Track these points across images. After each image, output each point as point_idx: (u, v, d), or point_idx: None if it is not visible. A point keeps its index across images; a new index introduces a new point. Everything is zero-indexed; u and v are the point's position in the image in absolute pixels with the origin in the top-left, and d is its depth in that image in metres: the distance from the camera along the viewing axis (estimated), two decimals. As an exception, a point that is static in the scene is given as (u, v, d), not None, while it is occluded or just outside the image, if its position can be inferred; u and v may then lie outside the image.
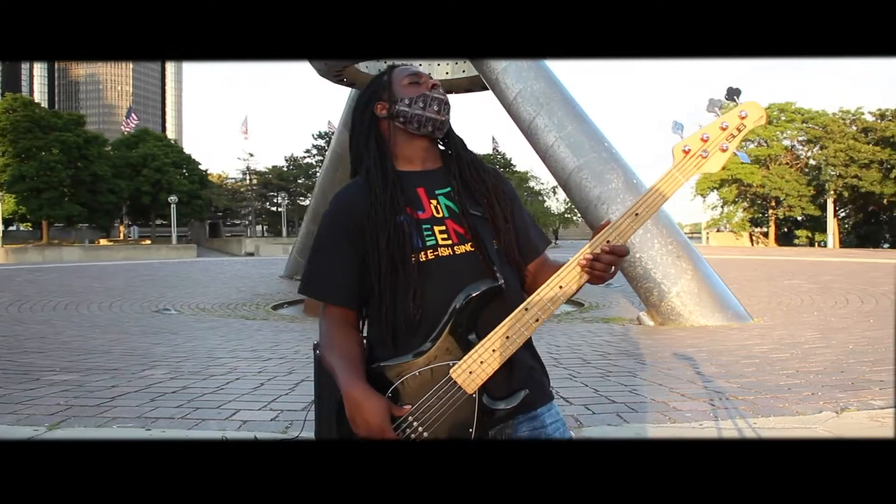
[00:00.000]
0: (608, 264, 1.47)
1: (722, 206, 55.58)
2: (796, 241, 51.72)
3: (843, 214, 52.07)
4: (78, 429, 4.34)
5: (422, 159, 1.71)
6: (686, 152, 1.49)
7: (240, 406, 4.96)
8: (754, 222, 55.68)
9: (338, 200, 1.70)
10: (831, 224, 47.50)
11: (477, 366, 1.49)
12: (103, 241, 61.45)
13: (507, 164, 74.35)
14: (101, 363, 6.96)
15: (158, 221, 66.34)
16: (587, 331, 9.84)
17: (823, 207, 48.68)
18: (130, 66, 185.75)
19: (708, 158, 1.49)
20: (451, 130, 1.76)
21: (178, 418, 4.62)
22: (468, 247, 1.62)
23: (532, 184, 66.68)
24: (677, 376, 5.90)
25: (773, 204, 52.14)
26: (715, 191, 54.06)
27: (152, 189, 59.75)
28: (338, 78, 17.86)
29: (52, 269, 24.04)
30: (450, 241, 1.61)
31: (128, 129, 60.37)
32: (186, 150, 68.98)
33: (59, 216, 54.43)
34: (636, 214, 1.48)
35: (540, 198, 67.31)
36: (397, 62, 1.78)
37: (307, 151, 69.68)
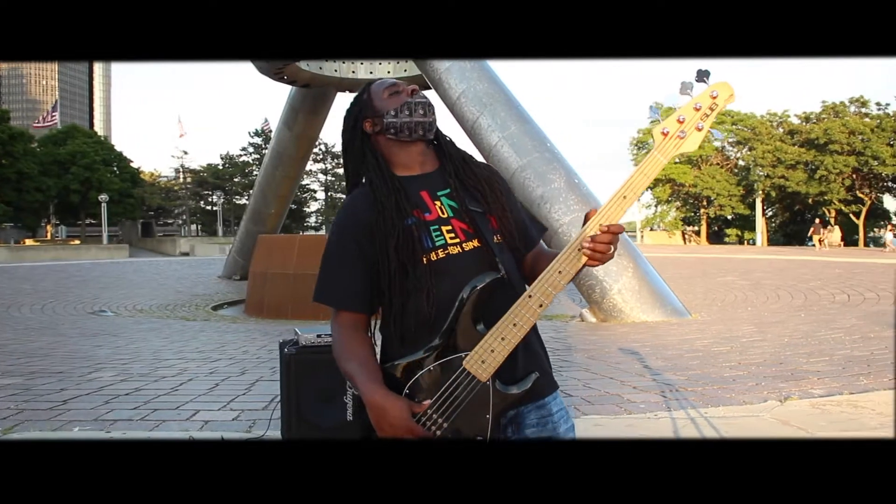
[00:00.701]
0: (608, 243, 1.53)
1: (656, 206, 56.88)
2: (727, 240, 53.26)
3: (770, 213, 53.87)
4: (35, 432, 4.25)
5: (420, 163, 1.76)
6: (665, 134, 1.58)
7: (198, 407, 4.92)
8: (687, 221, 57.14)
9: (346, 209, 1.76)
10: (760, 223, 49.11)
11: (488, 354, 1.56)
12: (29, 242, 59.24)
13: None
14: (44, 366, 6.78)
15: (88, 221, 64.36)
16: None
17: (752, 206, 50.25)
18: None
19: (685, 138, 1.58)
20: (438, 131, 1.82)
21: (136, 420, 4.56)
22: (475, 242, 1.68)
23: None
24: (626, 370, 6.08)
25: (705, 203, 53.61)
26: (649, 190, 55.33)
27: (81, 187, 57.96)
28: (278, 75, 17.70)
29: (-24, 272, 23.14)
30: (458, 239, 1.68)
31: (46, 125, 58.24)
32: (117, 148, 67.17)
33: (-19, 216, 52.32)
34: (624, 197, 1.56)
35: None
36: (374, 78, 1.84)
37: (244, 149, 68.43)
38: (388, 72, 18.83)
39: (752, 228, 50.45)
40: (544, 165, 11.75)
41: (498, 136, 12.19)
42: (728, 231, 54.50)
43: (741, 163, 52.85)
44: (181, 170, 69.04)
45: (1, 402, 5.05)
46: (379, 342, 1.75)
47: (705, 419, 4.27)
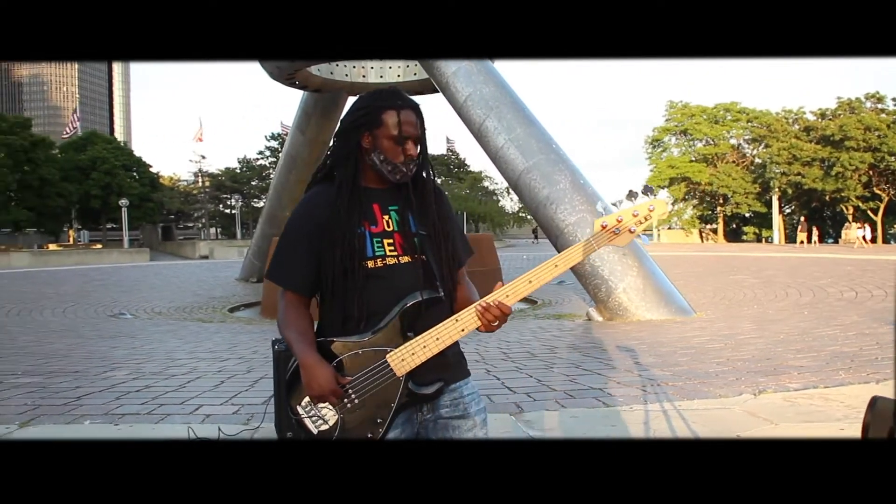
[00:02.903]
0: (495, 318, 1.85)
1: (672, 204, 56.77)
2: (744, 238, 53.08)
3: (788, 210, 53.59)
4: (50, 425, 4.54)
5: (379, 179, 1.99)
6: (603, 227, 1.91)
7: (202, 402, 5.20)
8: (704, 219, 56.96)
9: (305, 204, 2.01)
10: (777, 220, 48.89)
11: (409, 356, 1.87)
12: (52, 246, 60.15)
13: (462, 164, 74.56)
14: (62, 366, 7.09)
15: (109, 225, 65.21)
16: (538, 327, 10.22)
17: (769, 204, 50.03)
18: (76, 66, 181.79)
19: (619, 235, 1.91)
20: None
21: (143, 414, 4.85)
22: (409, 258, 1.95)
23: (486, 184, 67.27)
24: (616, 367, 6.30)
25: (721, 201, 53.42)
26: (665, 189, 55.20)
27: (102, 192, 58.79)
28: (289, 81, 17.98)
29: (2, 276, 23.65)
30: (396, 252, 1.94)
31: (70, 132, 59.20)
32: (137, 153, 68.05)
33: (5, 221, 53.23)
34: (529, 282, 1.90)
35: (494, 198, 67.87)
36: (384, 88, 2.04)
37: (260, 153, 69.21)
38: (398, 76, 19.08)
39: (770, 226, 50.20)
40: (550, 167, 11.92)
41: (504, 138, 12.37)
42: (746, 229, 54.29)
43: (757, 160, 52.59)
44: (199, 173, 69.76)
45: (19, 399, 5.37)
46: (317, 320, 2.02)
47: (677, 411, 4.47)
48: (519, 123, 12.42)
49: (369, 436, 1.87)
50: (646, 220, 1.91)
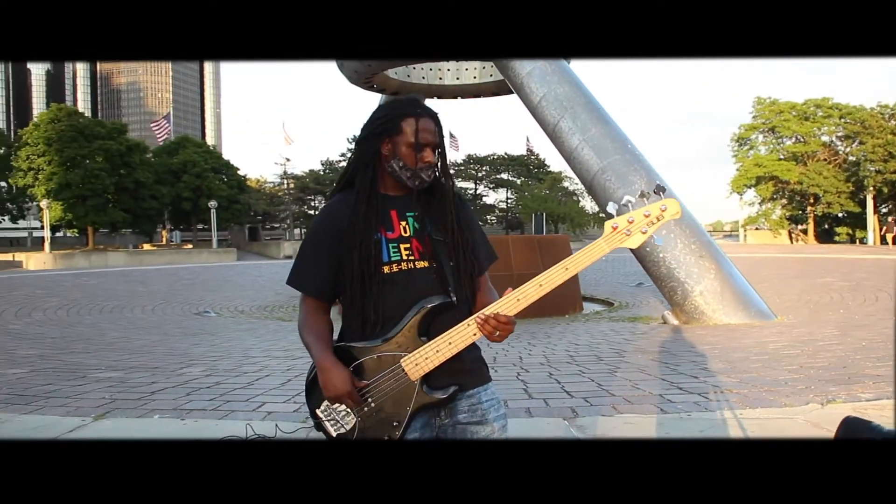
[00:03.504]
0: (494, 329, 1.87)
1: (759, 204, 54.95)
2: (837, 239, 50.89)
3: (884, 210, 51.14)
4: (122, 419, 4.78)
5: (398, 187, 2.04)
6: (614, 228, 1.90)
7: (266, 399, 5.37)
8: (793, 220, 54.92)
9: (325, 213, 2.08)
10: (871, 220, 46.71)
11: (422, 360, 1.91)
12: (147, 246, 63.03)
13: (541, 164, 74.00)
14: (143, 362, 7.43)
15: (199, 226, 67.72)
16: (611, 329, 10.08)
17: (863, 204, 47.87)
18: (170, 73, 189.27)
19: (630, 236, 1.89)
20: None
21: (209, 410, 5.04)
22: (426, 263, 1.99)
23: (566, 184, 66.58)
24: (682, 372, 6.16)
25: (812, 201, 51.41)
26: (751, 188, 53.48)
27: (193, 195, 61.17)
28: (367, 85, 18.29)
29: (98, 274, 24.81)
30: (413, 258, 1.99)
31: (163, 135, 61.74)
32: (225, 156, 70.43)
33: (103, 222, 56.13)
34: (540, 286, 1.89)
35: (574, 198, 67.08)
36: (410, 96, 2.10)
37: (342, 155, 70.50)
38: (475, 77, 19.17)
39: (864, 227, 47.98)
40: (625, 167, 11.76)
41: (579, 138, 12.26)
42: (838, 230, 52.02)
43: (850, 158, 50.36)
44: (284, 176, 71.57)
45: (99, 393, 5.67)
46: (338, 325, 2.08)
47: (736, 420, 4.34)
48: (594, 123, 12.29)
49: (386, 439, 1.91)
50: (658, 220, 1.90)
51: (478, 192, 75.18)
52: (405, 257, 1.98)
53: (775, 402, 4.81)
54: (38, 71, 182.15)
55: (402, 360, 1.91)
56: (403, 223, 2.01)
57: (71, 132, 52.70)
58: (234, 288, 19.56)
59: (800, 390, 5.19)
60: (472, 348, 1.99)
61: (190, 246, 61.95)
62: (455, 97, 20.31)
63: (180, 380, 6.20)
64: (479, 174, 75.02)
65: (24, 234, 71.76)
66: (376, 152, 2.01)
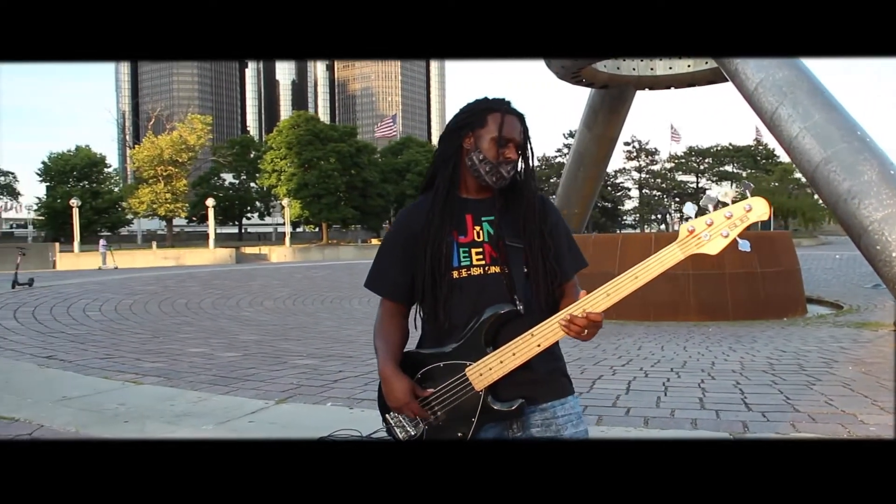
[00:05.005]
0: (582, 328, 1.73)
1: None
2: None
3: None
4: (299, 405, 5.07)
5: (477, 189, 1.98)
6: (690, 232, 1.69)
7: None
8: None
9: (402, 217, 2.06)
10: None
11: (486, 370, 1.82)
12: (375, 241, 67.03)
13: (770, 154, 69.36)
14: (341, 351, 7.87)
15: (423, 222, 70.87)
16: (829, 336, 9.16)
17: None
18: (399, 77, 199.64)
19: (709, 241, 1.68)
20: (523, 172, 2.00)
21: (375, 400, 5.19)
22: (497, 268, 1.91)
23: (798, 175, 61.45)
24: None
25: None
26: None
27: (416, 193, 63.90)
28: (575, 79, 18.07)
29: (327, 267, 26.75)
30: (483, 262, 1.91)
31: (389, 135, 65.13)
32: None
33: (335, 218, 60.59)
34: (607, 294, 1.73)
35: (808, 190, 61.79)
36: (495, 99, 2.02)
37: (558, 151, 70.43)
38: (689, 66, 18.24)
39: None
40: (852, 156, 10.59)
41: (799, 126, 11.25)
42: None
43: None
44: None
45: (289, 378, 6.07)
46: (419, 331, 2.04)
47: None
48: (817, 109, 11.20)
49: None
50: (741, 222, 1.66)
51: (699, 185, 71.87)
52: (476, 262, 1.91)
53: None
54: (285, 81, 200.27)
55: (466, 370, 1.84)
56: (477, 228, 1.94)
57: (308, 136, 57.41)
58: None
59: None
60: (549, 359, 1.88)
61: (413, 241, 64.90)
62: (668, 87, 19.51)
63: (366, 369, 6.48)
64: (701, 167, 71.68)
65: (270, 229, 79.07)
66: (458, 147, 1.96)
